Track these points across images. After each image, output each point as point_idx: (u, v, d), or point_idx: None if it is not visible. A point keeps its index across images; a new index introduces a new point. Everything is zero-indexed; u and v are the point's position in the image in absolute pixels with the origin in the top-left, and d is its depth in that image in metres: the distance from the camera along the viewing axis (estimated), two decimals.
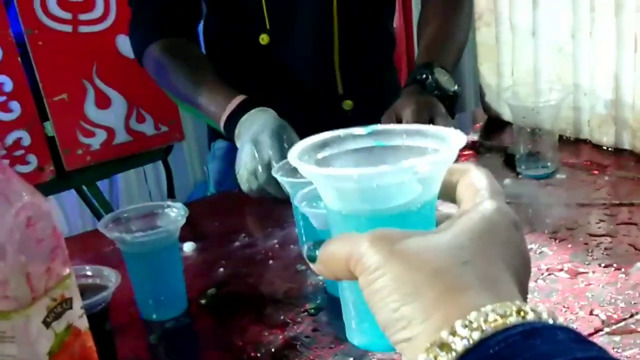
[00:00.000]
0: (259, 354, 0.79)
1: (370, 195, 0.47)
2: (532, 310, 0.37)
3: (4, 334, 0.55)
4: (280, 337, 0.81)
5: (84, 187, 2.46)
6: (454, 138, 0.47)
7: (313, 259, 0.45)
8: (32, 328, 0.55)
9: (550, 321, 0.37)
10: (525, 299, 0.41)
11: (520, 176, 1.19)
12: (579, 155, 1.24)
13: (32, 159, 2.24)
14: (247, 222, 1.15)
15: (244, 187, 1.18)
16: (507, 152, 1.27)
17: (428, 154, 0.50)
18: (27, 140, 2.22)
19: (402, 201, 0.46)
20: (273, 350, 0.79)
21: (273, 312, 0.87)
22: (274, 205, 1.17)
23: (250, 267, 1.00)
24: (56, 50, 2.22)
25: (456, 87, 1.32)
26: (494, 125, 1.47)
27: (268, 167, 1.14)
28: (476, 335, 0.36)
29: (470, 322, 0.36)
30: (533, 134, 1.16)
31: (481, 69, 1.48)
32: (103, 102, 2.35)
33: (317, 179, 0.48)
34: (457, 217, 0.44)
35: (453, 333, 0.36)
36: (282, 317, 0.85)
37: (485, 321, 0.36)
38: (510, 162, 1.24)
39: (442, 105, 1.28)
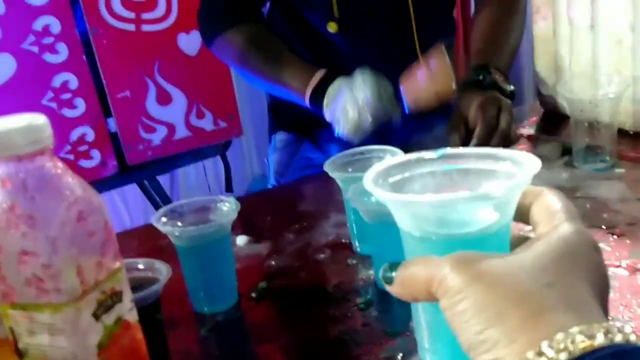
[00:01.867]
0: (308, 349, 0.79)
1: (446, 220, 0.48)
2: (620, 331, 0.37)
3: (54, 326, 0.56)
4: (330, 331, 0.81)
5: (146, 182, 2.51)
6: (528, 162, 0.48)
7: (390, 281, 0.46)
8: (82, 321, 0.56)
9: (639, 343, 0.37)
10: (606, 318, 0.41)
11: (578, 170, 1.17)
12: (638, 149, 1.21)
13: (96, 154, 2.29)
14: (299, 217, 1.15)
15: (356, 128, 1.23)
16: (565, 146, 1.25)
17: (499, 177, 0.51)
18: (91, 136, 2.28)
19: (479, 226, 0.47)
20: (322, 345, 0.79)
21: (323, 306, 0.87)
22: (326, 199, 1.18)
23: (302, 261, 1.00)
24: (119, 49, 2.27)
25: (512, 88, 1.30)
26: (552, 118, 1.45)
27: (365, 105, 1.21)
28: (563, 357, 0.36)
29: (557, 343, 0.37)
30: (591, 128, 1.13)
31: (538, 62, 1.46)
32: (164, 98, 2.39)
33: (393, 204, 0.49)
34: (536, 240, 0.45)
35: (539, 354, 0.37)
36: (332, 312, 0.85)
37: (573, 342, 0.36)
38: (568, 156, 1.22)
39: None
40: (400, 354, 0.74)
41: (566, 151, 1.23)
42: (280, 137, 1.59)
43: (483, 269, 0.41)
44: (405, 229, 0.50)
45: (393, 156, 0.96)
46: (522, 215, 0.49)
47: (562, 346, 0.36)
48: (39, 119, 0.55)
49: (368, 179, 0.50)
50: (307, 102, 1.34)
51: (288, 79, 1.37)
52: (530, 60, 1.52)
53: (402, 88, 1.25)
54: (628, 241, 0.91)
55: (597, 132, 1.13)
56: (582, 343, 0.36)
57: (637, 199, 1.03)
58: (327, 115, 1.30)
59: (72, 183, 0.57)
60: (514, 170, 0.50)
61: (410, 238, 0.50)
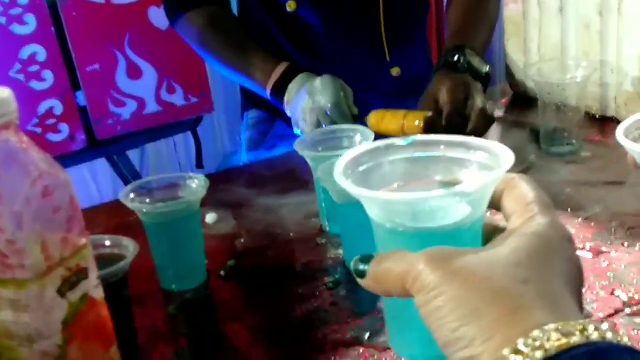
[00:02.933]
0: (276, 328, 0.79)
1: (420, 214, 0.47)
2: (596, 329, 0.37)
3: (19, 302, 0.55)
4: (298, 310, 0.81)
5: (115, 157, 2.49)
6: (502, 154, 0.47)
7: (362, 274, 0.46)
8: (46, 297, 0.56)
9: (615, 341, 0.37)
10: (582, 312, 0.41)
11: (544, 153, 1.18)
12: (604, 133, 1.23)
13: (64, 127, 2.27)
14: (269, 195, 1.15)
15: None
16: (532, 129, 1.26)
17: (471, 166, 0.50)
18: (59, 109, 2.25)
19: (453, 220, 0.47)
20: (290, 324, 0.79)
21: (292, 285, 0.87)
22: (296, 178, 1.18)
23: (271, 240, 1.00)
24: (89, 21, 2.24)
25: (487, 69, 1.30)
26: (520, 101, 1.46)
27: (326, 115, 1.20)
28: (539, 355, 0.36)
29: (533, 340, 0.36)
30: (558, 111, 1.14)
31: (508, 45, 1.46)
32: (134, 72, 2.36)
33: (365, 199, 0.48)
34: (510, 233, 0.44)
35: (515, 352, 0.36)
36: (300, 291, 0.85)
37: (549, 340, 0.36)
38: (535, 139, 1.23)
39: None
40: (368, 334, 0.75)
41: (534, 134, 1.24)
42: (253, 114, 1.59)
43: (458, 266, 0.41)
44: (377, 221, 0.49)
45: (363, 136, 0.96)
46: (494, 202, 0.48)
47: (538, 344, 0.36)
48: (3, 93, 0.54)
49: (338, 171, 0.49)
50: (268, 95, 1.34)
51: (250, 69, 1.36)
52: (501, 43, 1.52)
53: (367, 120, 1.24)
54: (592, 224, 0.92)
55: (564, 115, 1.14)
56: (558, 341, 0.36)
57: (602, 183, 1.04)
58: (288, 112, 1.31)
59: (38, 158, 0.56)
60: (486, 160, 0.49)
61: (383, 230, 0.49)
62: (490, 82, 1.30)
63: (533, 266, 0.41)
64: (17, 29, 2.13)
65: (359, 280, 0.46)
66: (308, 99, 1.23)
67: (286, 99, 1.30)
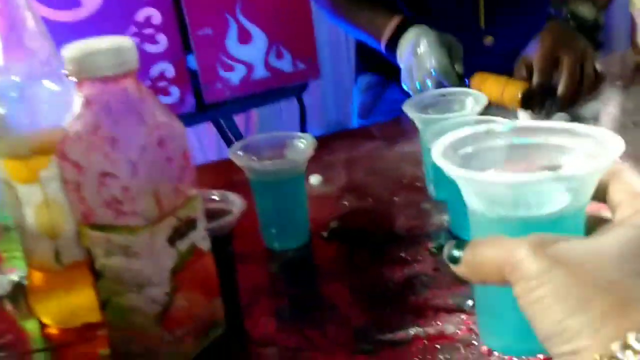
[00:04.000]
0: (376, 290, 0.79)
1: (521, 200, 0.45)
2: None
3: (130, 248, 0.57)
4: (400, 274, 0.81)
5: (221, 120, 2.53)
6: (610, 142, 0.45)
7: (456, 260, 0.44)
8: (157, 245, 0.58)
9: None
10: None
11: None
12: None
13: (175, 90, 2.32)
14: (375, 159, 1.15)
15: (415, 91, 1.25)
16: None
17: (576, 154, 0.48)
18: (170, 72, 2.30)
19: (556, 207, 0.45)
20: (391, 287, 0.79)
21: (394, 249, 0.87)
22: (405, 142, 1.17)
23: (375, 203, 1.00)
24: None
25: (596, 14, 1.25)
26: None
27: (432, 75, 1.23)
28: None
29: None
30: None
31: (634, 9, 1.39)
32: (245, 37, 2.39)
33: (464, 181, 0.46)
34: (618, 224, 0.42)
35: (625, 346, 0.35)
36: (403, 255, 0.85)
37: None
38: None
39: (583, 37, 1.23)
40: (470, 301, 0.74)
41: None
42: (366, 79, 1.59)
43: (564, 253, 0.39)
44: (474, 208, 0.47)
45: (476, 100, 0.94)
46: (598, 193, 0.46)
47: None
48: (126, 42, 0.56)
49: (437, 152, 0.47)
50: (383, 49, 1.36)
51: (367, 23, 1.39)
52: (625, 2, 1.44)
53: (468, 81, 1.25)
54: None
55: None
56: None
57: None
58: (401, 65, 1.32)
59: (155, 108, 0.58)
60: (592, 148, 0.47)
61: (480, 217, 0.47)
62: (609, 46, 1.24)
63: None
64: None
65: (453, 267, 0.44)
66: (413, 57, 1.25)
67: (398, 53, 1.32)
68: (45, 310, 0.77)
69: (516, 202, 0.45)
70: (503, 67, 1.26)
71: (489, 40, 1.43)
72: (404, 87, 1.31)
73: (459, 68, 1.23)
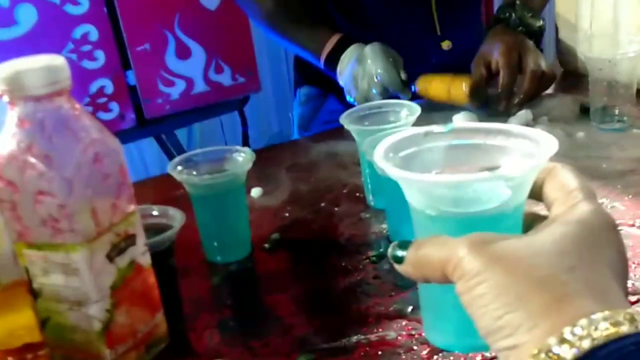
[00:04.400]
0: (318, 299, 0.80)
1: (461, 199, 0.46)
2: None
3: (69, 266, 0.57)
4: (341, 283, 0.82)
5: (163, 136, 2.52)
6: (545, 141, 0.47)
7: (399, 260, 0.45)
8: (96, 262, 0.58)
9: None
10: (627, 302, 0.40)
11: (594, 130, 1.16)
12: None
13: (114, 106, 2.30)
14: (314, 170, 1.16)
15: (365, 100, 1.27)
16: (583, 105, 1.24)
17: (512, 153, 0.49)
18: (110, 88, 2.28)
19: (494, 204, 0.46)
20: (333, 296, 0.80)
21: (335, 258, 0.87)
22: (343, 153, 1.19)
23: (315, 214, 1.01)
24: (140, 2, 2.26)
25: (541, 23, 1.30)
26: (570, 77, 1.44)
27: (379, 84, 1.26)
28: (586, 344, 0.35)
29: (581, 329, 0.35)
30: (610, 87, 1.12)
31: (558, 21, 1.45)
32: (183, 52, 2.38)
33: (406, 182, 0.47)
34: (552, 220, 0.43)
35: (561, 341, 0.36)
36: (343, 264, 0.86)
37: (596, 329, 0.35)
38: (585, 115, 1.21)
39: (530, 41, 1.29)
40: (410, 307, 0.75)
41: (584, 110, 1.23)
42: (305, 91, 1.60)
43: (502, 251, 0.40)
44: (416, 207, 0.48)
45: (409, 111, 0.96)
46: (534, 191, 0.47)
47: (585, 333, 0.35)
48: (57, 60, 0.56)
49: (378, 154, 0.48)
50: (322, 65, 1.38)
51: (306, 40, 1.41)
52: (551, 20, 1.50)
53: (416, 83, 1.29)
54: None
55: (615, 92, 1.13)
56: (607, 330, 0.35)
57: None
58: (341, 81, 1.35)
59: (90, 125, 0.58)
60: (527, 148, 0.48)
61: (422, 216, 0.48)
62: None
63: (579, 254, 0.40)
64: (70, 9, 2.16)
65: (397, 266, 0.45)
66: (358, 66, 1.28)
67: (339, 68, 1.34)
68: None
69: (456, 202, 0.47)
70: (467, 66, 1.31)
71: (446, 44, 1.46)
72: (349, 99, 1.33)
73: (403, 75, 1.26)
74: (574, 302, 0.37)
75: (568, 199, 0.44)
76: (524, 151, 0.48)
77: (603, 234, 0.42)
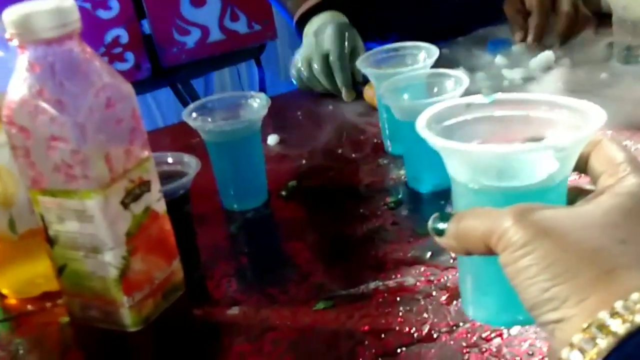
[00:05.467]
0: (336, 246, 0.80)
1: (506, 171, 0.45)
2: None
3: (83, 212, 0.56)
4: (359, 230, 0.81)
5: (179, 85, 2.50)
6: (592, 114, 0.45)
7: (440, 233, 0.44)
8: (110, 208, 0.57)
9: None
10: None
11: (618, 70, 1.13)
12: None
13: (130, 56, 2.28)
14: (331, 116, 1.15)
15: (294, 75, 1.25)
16: (606, 45, 1.21)
17: (557, 125, 0.48)
18: (125, 38, 2.26)
19: (540, 178, 0.45)
20: (351, 242, 0.80)
21: (353, 205, 0.87)
22: (360, 99, 1.17)
23: (332, 161, 1.00)
24: None
25: None
26: (594, 17, 1.40)
27: (325, 58, 1.19)
28: (639, 319, 0.34)
29: (634, 303, 0.35)
30: (634, 26, 1.10)
31: None
32: (198, 0, 2.35)
33: (449, 153, 0.46)
34: (600, 192, 0.42)
35: (613, 314, 0.35)
36: (361, 211, 0.85)
37: None
38: (609, 55, 1.18)
39: None
40: (429, 253, 0.74)
41: (608, 50, 1.20)
42: None
43: (549, 222, 0.39)
44: (458, 180, 0.47)
45: (428, 53, 0.94)
46: (580, 164, 0.46)
47: (638, 307, 0.34)
48: (66, 2, 0.54)
49: (421, 124, 0.47)
50: (293, 26, 1.35)
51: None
52: None
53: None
54: None
55: (639, 31, 1.10)
56: None
57: None
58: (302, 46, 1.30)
59: (101, 69, 0.57)
60: (573, 119, 0.47)
61: (464, 189, 0.47)
62: None
63: (630, 226, 0.39)
64: None
65: (437, 239, 0.44)
66: (314, 42, 1.22)
67: (305, 30, 1.29)
68: (3, 281, 0.77)
69: (500, 174, 0.45)
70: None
71: None
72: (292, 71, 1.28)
73: (357, 74, 1.20)
74: (625, 276, 0.36)
75: (616, 172, 0.43)
76: (570, 123, 0.47)
77: None
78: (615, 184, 0.42)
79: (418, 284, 0.70)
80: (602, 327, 0.35)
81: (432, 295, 0.68)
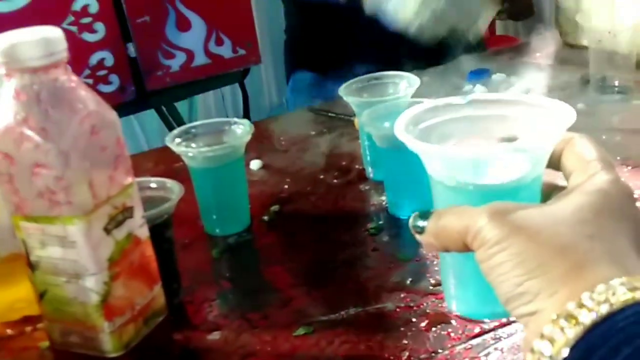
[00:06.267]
0: (317, 271, 0.80)
1: (482, 171, 0.47)
2: None
3: (66, 238, 0.57)
4: (340, 255, 0.82)
5: (164, 108, 2.51)
6: (563, 113, 0.47)
7: (421, 230, 0.46)
8: (93, 234, 0.57)
9: None
10: None
11: (594, 100, 1.16)
12: None
13: (115, 79, 2.28)
14: (313, 142, 1.16)
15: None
16: (583, 76, 1.23)
17: (529, 123, 0.50)
18: (110, 60, 2.26)
19: (513, 176, 0.47)
20: (332, 268, 0.80)
21: (334, 230, 0.88)
22: (338, 126, 1.19)
23: (314, 186, 1.01)
24: None
25: None
26: (571, 49, 1.43)
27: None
28: (604, 309, 0.36)
29: (599, 294, 0.36)
30: (609, 58, 1.12)
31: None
32: (184, 24, 2.36)
33: (427, 154, 0.48)
34: (571, 190, 0.44)
35: (580, 305, 0.36)
36: (342, 236, 0.86)
37: (614, 294, 0.36)
38: (585, 87, 1.21)
39: None
40: (410, 279, 0.75)
41: (584, 81, 1.22)
42: (301, 76, 1.56)
43: (522, 220, 0.40)
44: (437, 178, 0.49)
45: (409, 82, 0.96)
46: (552, 161, 0.48)
47: (602, 298, 0.36)
48: (54, 32, 0.55)
49: (399, 127, 0.49)
50: None
51: None
52: None
53: None
54: None
55: (615, 63, 1.12)
56: (624, 295, 0.36)
57: None
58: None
59: (86, 97, 0.57)
60: (545, 118, 0.49)
61: (441, 187, 0.49)
62: (538, 30, 1.27)
63: (598, 223, 0.40)
64: None
65: (417, 237, 0.46)
66: None
67: None
68: None
69: (475, 173, 0.47)
70: None
71: None
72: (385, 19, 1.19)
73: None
74: (593, 269, 0.38)
75: (587, 169, 0.45)
76: (542, 122, 0.49)
77: (621, 204, 0.42)
78: (585, 181, 0.44)
79: (398, 310, 0.71)
80: (570, 318, 0.36)
81: (411, 322, 0.68)
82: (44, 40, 0.54)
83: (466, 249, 0.43)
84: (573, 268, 0.38)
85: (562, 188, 0.47)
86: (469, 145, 0.50)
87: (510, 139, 0.48)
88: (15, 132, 0.54)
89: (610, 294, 0.36)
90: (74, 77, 0.57)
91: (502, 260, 0.40)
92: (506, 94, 0.52)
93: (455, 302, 0.53)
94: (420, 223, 0.46)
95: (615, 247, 0.40)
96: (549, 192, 0.48)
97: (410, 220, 0.47)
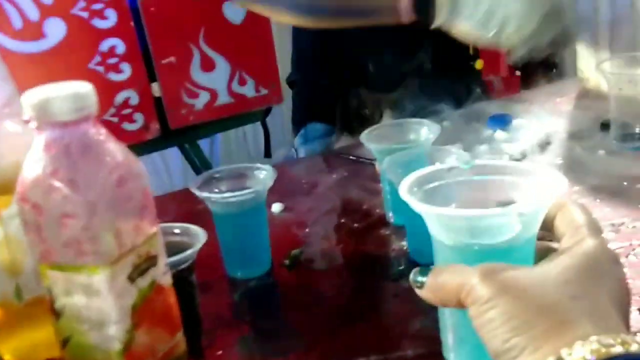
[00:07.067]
0: (338, 317, 0.80)
1: (477, 231, 0.51)
2: (637, 342, 0.39)
3: (90, 287, 0.58)
4: (361, 301, 0.82)
5: (187, 146, 2.54)
6: (556, 181, 0.51)
7: (420, 285, 0.50)
8: (117, 283, 0.58)
9: None
10: (628, 329, 0.44)
11: (615, 148, 1.16)
12: None
13: (139, 117, 2.32)
14: (334, 185, 1.16)
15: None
16: (603, 123, 1.24)
17: (527, 190, 0.55)
18: (135, 99, 2.30)
19: (507, 237, 0.51)
20: (353, 313, 0.80)
21: (355, 275, 0.88)
22: (360, 169, 1.20)
23: (336, 230, 1.01)
24: (167, 16, 2.29)
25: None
26: (591, 96, 1.44)
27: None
28: None
29: (576, 351, 0.39)
30: (630, 105, 1.12)
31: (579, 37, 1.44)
32: (208, 65, 2.40)
33: (427, 214, 0.53)
34: (560, 253, 0.48)
35: None
36: (363, 282, 0.86)
37: (590, 351, 0.39)
38: (605, 133, 1.21)
39: None
40: (431, 326, 0.75)
41: (604, 127, 1.22)
42: (315, 126, 1.56)
43: (511, 280, 0.44)
44: (437, 237, 0.53)
45: (430, 130, 0.97)
46: (546, 224, 0.52)
47: (579, 354, 0.39)
48: (84, 87, 0.57)
49: (404, 188, 0.54)
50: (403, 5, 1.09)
51: None
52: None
53: None
54: None
55: (636, 110, 1.12)
56: (597, 352, 0.38)
57: None
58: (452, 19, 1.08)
59: (114, 149, 0.59)
60: (539, 185, 0.53)
61: (442, 245, 0.53)
62: (559, 75, 1.28)
63: (581, 283, 0.44)
64: (98, 23, 2.18)
65: (417, 291, 0.50)
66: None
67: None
68: (6, 347, 0.77)
69: (472, 233, 0.51)
70: None
71: (479, 64, 1.46)
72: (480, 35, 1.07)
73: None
74: (574, 327, 0.41)
75: (576, 234, 0.48)
76: (537, 189, 0.53)
77: (605, 267, 0.46)
78: (573, 245, 0.48)
79: (419, 357, 0.71)
80: None
81: None
82: (74, 95, 0.56)
83: (461, 305, 0.46)
84: (556, 326, 0.41)
85: (554, 250, 0.51)
86: (465, 208, 0.54)
87: (507, 203, 0.51)
88: (45, 184, 0.56)
89: (586, 349, 0.39)
90: (103, 130, 0.59)
91: (491, 317, 0.43)
92: (506, 161, 0.57)
93: (453, 355, 0.57)
94: (420, 278, 0.50)
95: (597, 306, 0.43)
96: (544, 254, 0.51)
97: (411, 275, 0.51)
